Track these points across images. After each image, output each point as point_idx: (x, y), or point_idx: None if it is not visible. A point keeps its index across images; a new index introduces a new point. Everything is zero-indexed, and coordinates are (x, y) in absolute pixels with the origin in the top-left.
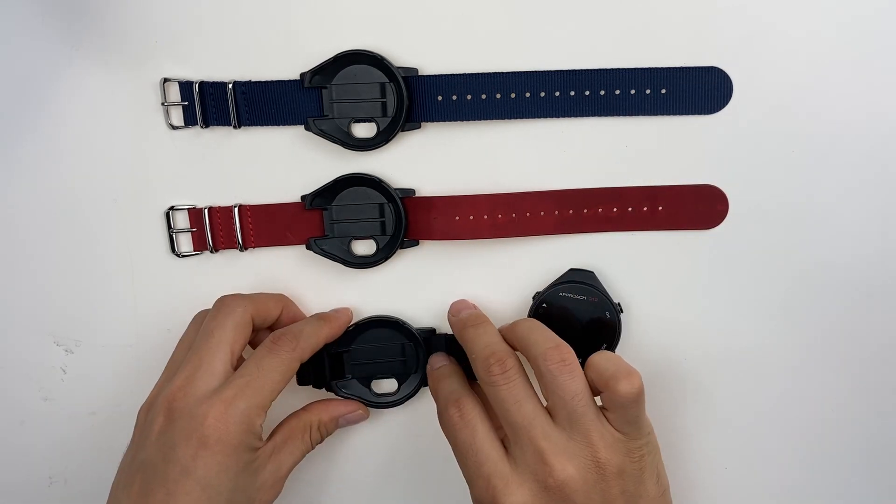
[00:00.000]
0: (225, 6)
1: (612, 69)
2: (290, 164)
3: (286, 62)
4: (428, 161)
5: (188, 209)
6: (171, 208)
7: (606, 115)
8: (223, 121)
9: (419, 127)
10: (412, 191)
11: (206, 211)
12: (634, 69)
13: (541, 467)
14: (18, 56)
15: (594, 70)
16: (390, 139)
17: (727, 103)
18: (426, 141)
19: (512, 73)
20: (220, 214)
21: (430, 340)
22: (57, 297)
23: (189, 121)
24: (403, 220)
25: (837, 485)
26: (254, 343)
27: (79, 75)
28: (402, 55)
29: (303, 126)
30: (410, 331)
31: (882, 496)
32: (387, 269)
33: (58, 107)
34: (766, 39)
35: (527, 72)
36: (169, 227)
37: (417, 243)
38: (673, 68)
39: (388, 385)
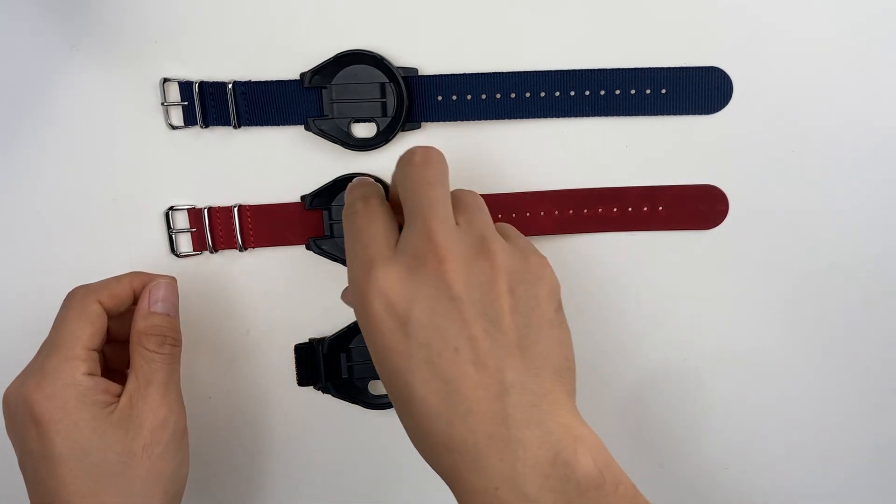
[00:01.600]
0: (225, 6)
1: (612, 69)
2: (290, 164)
3: (286, 62)
4: None
5: (188, 209)
6: (171, 208)
7: (606, 115)
8: (223, 121)
9: (419, 127)
10: None
11: (205, 211)
12: (634, 69)
13: (426, 244)
14: (18, 55)
15: (594, 70)
16: (390, 139)
17: (727, 103)
18: (426, 141)
19: (512, 73)
20: (220, 214)
21: None
22: (57, 297)
23: (189, 121)
24: None
25: (838, 485)
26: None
27: (78, 75)
28: (402, 55)
29: (303, 126)
30: None
31: (883, 496)
32: None
33: (57, 107)
34: (766, 39)
35: (527, 72)
36: (168, 227)
37: None
38: (673, 68)
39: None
